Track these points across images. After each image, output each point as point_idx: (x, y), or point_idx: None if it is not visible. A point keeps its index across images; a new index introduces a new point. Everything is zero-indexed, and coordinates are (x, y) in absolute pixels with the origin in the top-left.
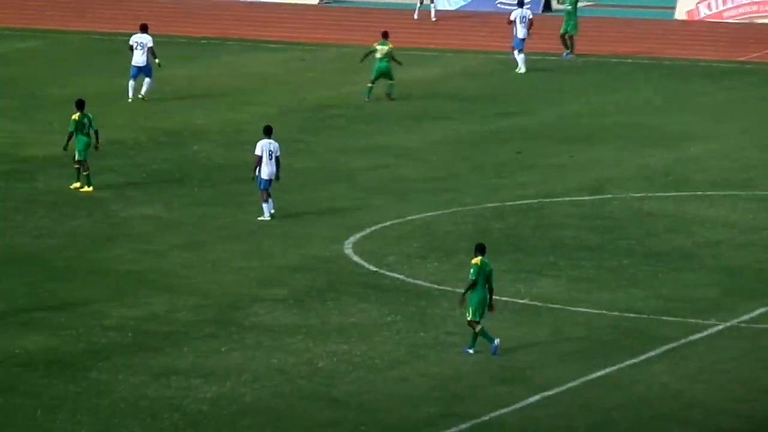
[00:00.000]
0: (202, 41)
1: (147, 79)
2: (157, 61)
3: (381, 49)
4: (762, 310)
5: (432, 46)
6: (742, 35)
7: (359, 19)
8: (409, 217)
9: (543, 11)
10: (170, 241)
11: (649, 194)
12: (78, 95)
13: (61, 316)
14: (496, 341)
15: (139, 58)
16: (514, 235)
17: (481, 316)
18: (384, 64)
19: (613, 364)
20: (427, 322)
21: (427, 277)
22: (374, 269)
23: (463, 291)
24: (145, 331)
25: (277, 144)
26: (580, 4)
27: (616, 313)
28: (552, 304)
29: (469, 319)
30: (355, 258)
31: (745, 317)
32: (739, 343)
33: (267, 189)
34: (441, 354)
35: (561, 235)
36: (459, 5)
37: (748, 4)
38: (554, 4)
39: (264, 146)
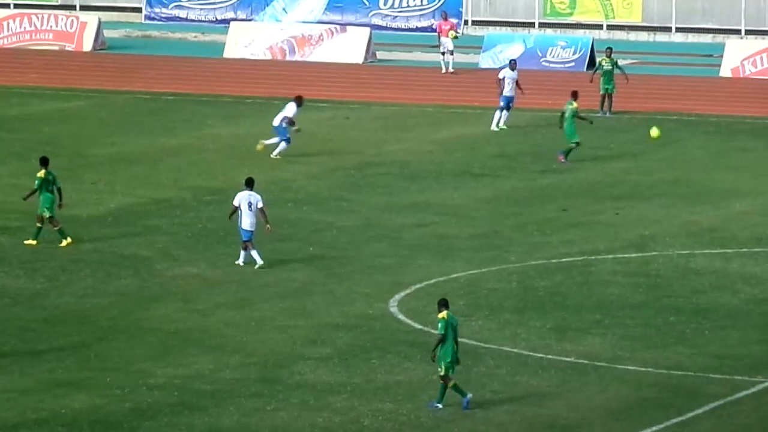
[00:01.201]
0: (248, 100)
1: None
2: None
3: (569, 109)
4: None
5: (476, 104)
6: None
7: (404, 78)
8: (454, 275)
9: (587, 69)
10: (215, 299)
11: (694, 251)
12: (123, 154)
13: (106, 375)
14: (469, 395)
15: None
16: (559, 293)
17: (453, 370)
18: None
19: (660, 423)
20: (473, 380)
21: (473, 335)
22: (419, 327)
23: (433, 347)
24: (191, 390)
25: (258, 196)
26: (625, 62)
27: (662, 371)
28: (598, 362)
29: (441, 374)
30: (400, 316)
31: None
32: None
33: (249, 240)
34: (487, 413)
35: (606, 292)
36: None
37: None
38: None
39: (243, 198)
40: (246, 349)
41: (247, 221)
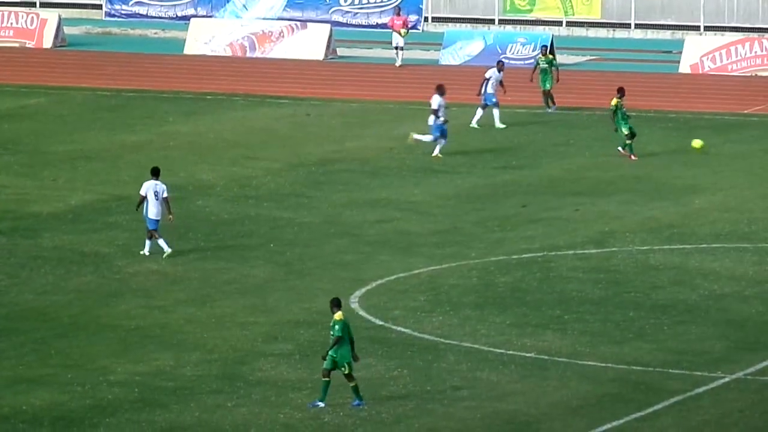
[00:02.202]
0: (208, 97)
1: None
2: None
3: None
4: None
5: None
6: (746, 88)
7: (364, 75)
8: (415, 271)
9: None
10: (175, 296)
11: (654, 247)
12: (83, 151)
13: (67, 372)
14: (357, 402)
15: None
16: (519, 289)
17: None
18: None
19: (620, 418)
20: (434, 376)
21: (433, 330)
22: (380, 323)
23: (328, 349)
24: (151, 386)
25: (164, 186)
26: (583, 59)
27: (622, 366)
28: (558, 357)
29: (346, 372)
30: (361, 312)
31: (751, 369)
32: (745, 396)
33: (155, 229)
34: (448, 408)
35: (566, 288)
36: (464, 60)
37: (752, 57)
38: (559, 58)
39: (149, 187)
40: (206, 345)
41: (153, 210)
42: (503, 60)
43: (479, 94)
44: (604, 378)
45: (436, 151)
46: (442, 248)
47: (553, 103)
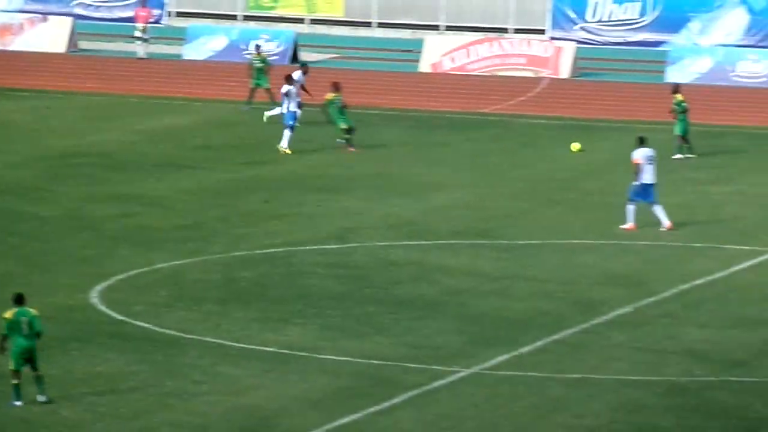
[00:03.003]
0: None
1: None
2: None
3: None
4: (503, 357)
5: (180, 95)
6: (484, 87)
7: (106, 69)
8: (157, 266)
9: (291, 62)
10: None
11: (394, 243)
12: None
13: None
14: (18, 403)
15: None
16: (262, 284)
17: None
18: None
19: (358, 411)
20: (175, 371)
21: (175, 325)
22: (121, 318)
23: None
24: None
25: None
26: (327, 56)
27: (361, 361)
28: (299, 351)
29: (12, 369)
30: (101, 307)
31: (487, 364)
32: (481, 390)
33: None
34: (188, 403)
35: (308, 283)
36: (208, 56)
37: (490, 57)
38: (301, 56)
39: None
40: None
41: None
42: (307, 64)
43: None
44: (344, 372)
45: (284, 143)
46: (185, 243)
47: (251, 100)
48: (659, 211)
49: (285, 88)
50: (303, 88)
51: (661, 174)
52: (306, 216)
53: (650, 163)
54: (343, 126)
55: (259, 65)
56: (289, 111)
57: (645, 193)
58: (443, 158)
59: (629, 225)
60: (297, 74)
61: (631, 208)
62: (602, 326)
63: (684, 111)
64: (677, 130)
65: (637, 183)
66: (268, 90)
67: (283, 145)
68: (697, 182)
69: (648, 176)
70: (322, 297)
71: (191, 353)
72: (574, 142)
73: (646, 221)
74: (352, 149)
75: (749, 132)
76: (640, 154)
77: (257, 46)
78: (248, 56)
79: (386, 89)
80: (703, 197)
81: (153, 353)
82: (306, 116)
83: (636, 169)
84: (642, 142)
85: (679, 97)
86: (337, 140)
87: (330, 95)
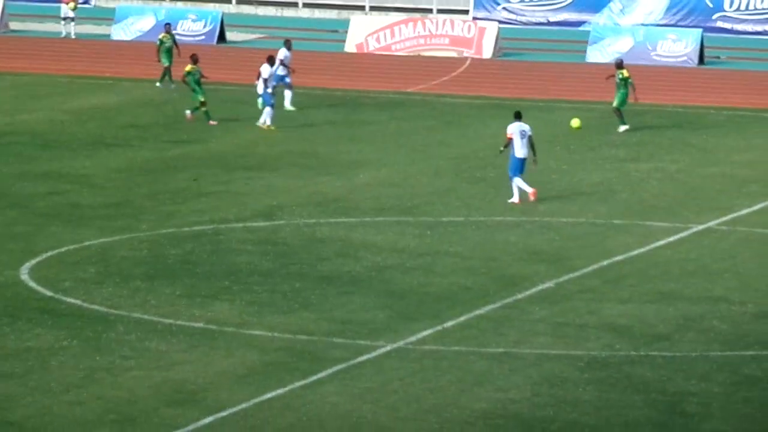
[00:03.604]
0: None
1: None
2: None
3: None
4: (427, 332)
5: (107, 74)
6: (409, 67)
7: (36, 48)
8: (86, 243)
9: (218, 42)
10: None
11: (320, 220)
12: None
13: None
14: None
15: None
16: (189, 261)
17: None
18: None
19: (285, 386)
20: (103, 346)
21: (103, 302)
22: (50, 294)
23: None
24: None
25: None
26: (253, 36)
27: (288, 336)
28: (226, 327)
29: None
30: (31, 284)
31: (412, 339)
32: (406, 365)
33: None
34: (116, 377)
35: (236, 260)
36: (135, 36)
37: (415, 37)
38: (228, 36)
39: None
40: None
41: None
42: (289, 40)
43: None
44: (271, 347)
45: (268, 121)
46: (113, 221)
47: (171, 79)
48: (520, 182)
49: (266, 70)
50: (283, 64)
51: (582, 151)
52: (233, 194)
53: (523, 137)
54: (200, 99)
55: (168, 45)
56: (265, 92)
57: (522, 166)
58: (368, 137)
59: (515, 199)
60: (282, 52)
61: (515, 184)
62: (524, 302)
63: (627, 86)
64: (617, 103)
65: (515, 158)
66: (169, 68)
67: (267, 122)
68: (617, 159)
69: (520, 150)
70: (249, 273)
71: (119, 329)
72: (574, 118)
73: (566, 197)
74: (212, 123)
75: (669, 110)
76: (513, 128)
77: (167, 24)
78: (159, 37)
79: (312, 69)
80: (623, 175)
81: (82, 329)
82: (233, 95)
83: (508, 143)
84: (517, 117)
85: (625, 72)
86: (187, 111)
87: (189, 67)
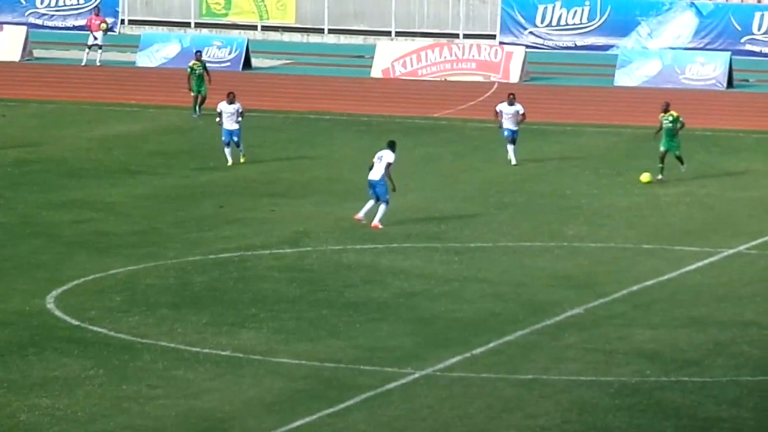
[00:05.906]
0: None
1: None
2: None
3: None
4: (456, 359)
5: (133, 101)
6: (435, 92)
7: (60, 76)
8: (111, 271)
9: (243, 69)
10: None
11: (347, 247)
12: None
13: None
14: None
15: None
16: (216, 288)
17: None
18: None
19: (313, 414)
20: (130, 375)
21: (130, 330)
22: (76, 323)
23: None
24: None
25: None
26: (279, 62)
27: (315, 363)
28: (253, 355)
29: None
30: (57, 312)
31: (440, 366)
32: (434, 392)
33: None
34: (143, 406)
35: (262, 287)
36: (161, 62)
37: (441, 62)
38: (254, 62)
39: None
40: None
41: None
42: None
43: None
44: (298, 375)
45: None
46: (139, 248)
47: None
48: (381, 209)
49: None
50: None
51: (610, 176)
52: (259, 220)
53: (379, 161)
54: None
55: (200, 71)
56: None
57: (373, 188)
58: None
59: (359, 215)
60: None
61: (370, 202)
62: (553, 327)
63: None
64: (677, 149)
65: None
66: (204, 98)
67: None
68: (646, 184)
69: (373, 173)
70: (275, 301)
71: (146, 357)
72: (644, 173)
73: (595, 222)
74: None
75: (698, 134)
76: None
77: (197, 52)
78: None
79: (338, 94)
80: (652, 199)
81: (108, 358)
82: (258, 122)
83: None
84: (389, 146)
85: (674, 113)
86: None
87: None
